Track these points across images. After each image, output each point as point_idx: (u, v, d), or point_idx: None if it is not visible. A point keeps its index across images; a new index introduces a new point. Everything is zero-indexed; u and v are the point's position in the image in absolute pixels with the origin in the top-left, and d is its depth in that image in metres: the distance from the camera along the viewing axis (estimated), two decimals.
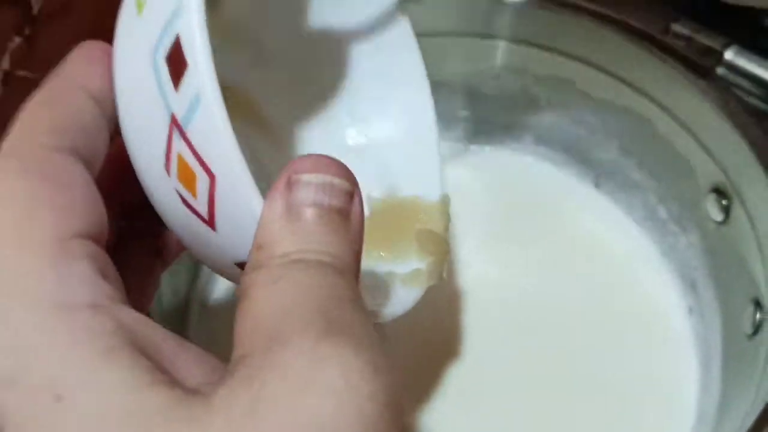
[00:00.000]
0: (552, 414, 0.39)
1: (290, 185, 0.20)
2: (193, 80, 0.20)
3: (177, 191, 0.22)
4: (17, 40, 0.40)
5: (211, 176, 0.20)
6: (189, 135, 0.20)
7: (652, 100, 0.41)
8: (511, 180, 0.48)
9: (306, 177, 0.20)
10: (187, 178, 0.21)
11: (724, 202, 0.39)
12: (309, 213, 0.20)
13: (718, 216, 0.39)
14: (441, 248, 0.31)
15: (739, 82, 0.61)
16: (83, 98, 0.23)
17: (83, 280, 0.19)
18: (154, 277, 0.29)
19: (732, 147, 0.37)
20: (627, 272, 0.44)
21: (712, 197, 0.39)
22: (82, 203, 0.21)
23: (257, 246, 0.20)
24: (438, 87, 0.34)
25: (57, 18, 0.41)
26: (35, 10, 0.40)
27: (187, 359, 0.20)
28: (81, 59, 0.23)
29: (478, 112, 0.48)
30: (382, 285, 0.30)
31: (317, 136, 0.35)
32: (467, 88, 0.47)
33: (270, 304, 0.19)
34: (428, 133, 0.34)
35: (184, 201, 0.22)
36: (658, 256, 0.44)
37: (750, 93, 0.61)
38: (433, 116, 0.34)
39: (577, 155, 0.47)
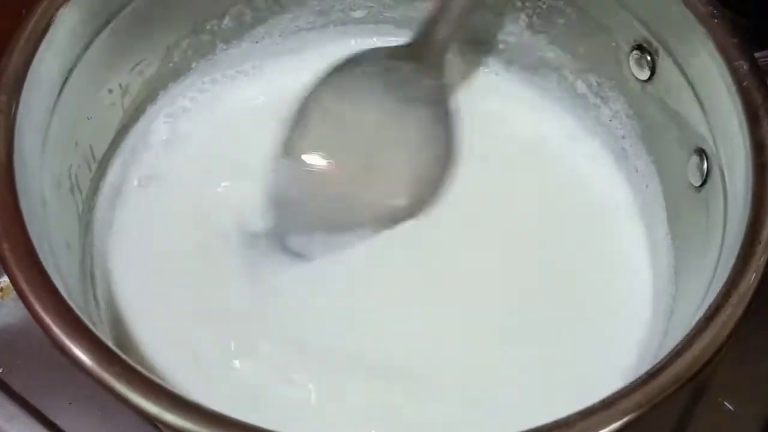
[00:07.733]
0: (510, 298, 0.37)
1: None
2: None
3: None
4: None
5: None
6: None
7: None
8: None
9: None
10: None
11: (648, 57, 0.37)
12: None
13: (644, 74, 0.38)
14: None
15: None
16: None
17: None
18: None
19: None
20: (552, 156, 0.42)
21: (635, 56, 0.38)
22: None
23: None
24: None
25: None
26: None
27: None
28: None
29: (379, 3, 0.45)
30: None
31: None
32: None
33: None
34: None
35: None
36: (583, 134, 0.43)
37: None
38: None
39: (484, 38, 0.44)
